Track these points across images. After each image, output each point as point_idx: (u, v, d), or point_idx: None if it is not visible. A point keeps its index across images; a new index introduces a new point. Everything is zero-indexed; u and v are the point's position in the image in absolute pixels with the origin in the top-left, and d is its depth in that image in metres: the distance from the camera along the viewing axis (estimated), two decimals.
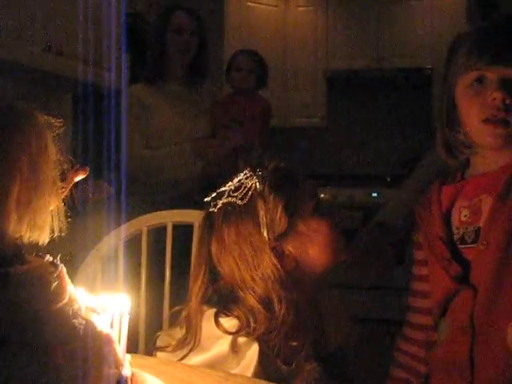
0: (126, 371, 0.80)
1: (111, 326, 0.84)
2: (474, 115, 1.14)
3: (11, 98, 2.71)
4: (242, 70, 2.61)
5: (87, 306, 0.78)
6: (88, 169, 0.77)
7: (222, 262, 1.12)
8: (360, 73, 4.57)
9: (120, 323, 0.86)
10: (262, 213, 1.09)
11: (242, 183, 1.12)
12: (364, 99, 4.77)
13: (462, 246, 1.15)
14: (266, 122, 2.69)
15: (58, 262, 0.75)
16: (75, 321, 0.72)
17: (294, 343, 1.08)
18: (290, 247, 1.12)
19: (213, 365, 1.06)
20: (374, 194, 4.24)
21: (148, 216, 1.60)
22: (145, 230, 1.56)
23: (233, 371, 1.04)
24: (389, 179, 4.46)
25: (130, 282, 1.35)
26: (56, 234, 0.74)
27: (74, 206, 0.76)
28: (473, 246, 1.13)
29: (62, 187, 0.74)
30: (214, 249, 1.13)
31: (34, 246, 0.73)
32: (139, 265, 1.54)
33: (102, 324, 0.77)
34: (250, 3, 4.44)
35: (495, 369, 1.09)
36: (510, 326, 1.06)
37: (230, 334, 1.06)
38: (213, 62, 2.72)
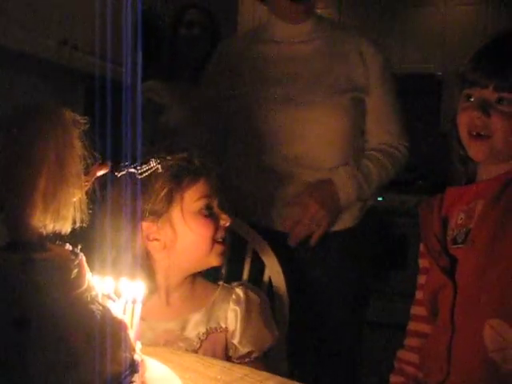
0: (138, 356, 0.85)
1: (124, 312, 0.89)
2: (462, 130, 1.24)
3: (25, 91, 2.76)
4: None
5: (103, 293, 0.82)
6: (110, 164, 0.82)
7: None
8: None
9: (132, 310, 0.91)
10: (150, 190, 1.20)
11: (151, 163, 1.22)
12: None
13: (453, 246, 1.22)
14: None
15: (78, 251, 0.79)
16: (93, 306, 0.76)
17: None
18: (160, 231, 1.22)
19: None
20: (380, 198, 4.27)
21: None
22: None
23: None
24: (395, 184, 4.50)
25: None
26: (78, 224, 0.79)
27: (96, 198, 0.81)
28: (462, 246, 1.20)
29: (86, 180, 0.79)
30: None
31: (57, 235, 0.77)
32: None
33: (116, 310, 0.82)
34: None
35: (471, 364, 1.14)
36: (488, 324, 1.12)
37: None
38: None
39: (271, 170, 1.65)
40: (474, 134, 1.21)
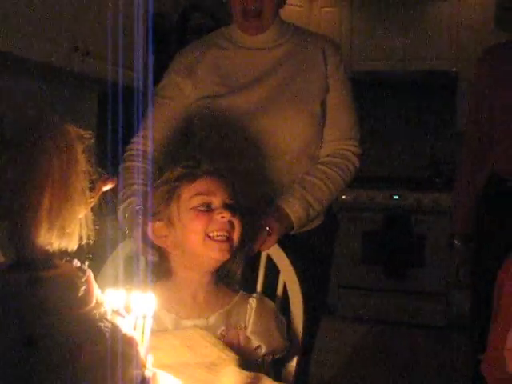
0: (148, 372, 0.84)
1: (134, 328, 0.88)
2: None
3: (37, 98, 2.76)
4: None
5: (113, 309, 0.81)
6: (116, 179, 0.81)
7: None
8: (384, 74, 4.56)
9: (143, 324, 0.90)
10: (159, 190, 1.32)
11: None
12: (388, 101, 4.77)
13: None
14: None
15: (86, 268, 0.78)
16: (101, 324, 0.75)
17: None
18: (164, 230, 1.30)
19: None
20: (396, 197, 4.24)
21: None
22: None
23: None
24: (410, 182, 4.46)
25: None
26: (84, 241, 0.78)
27: (102, 212, 0.80)
28: None
29: (91, 197, 0.78)
30: None
31: (64, 252, 0.76)
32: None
33: (126, 327, 0.81)
34: None
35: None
36: None
37: None
38: None
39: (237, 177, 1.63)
40: None
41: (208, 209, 1.28)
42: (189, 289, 1.31)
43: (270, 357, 1.32)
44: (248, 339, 1.30)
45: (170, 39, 2.74)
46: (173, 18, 3.68)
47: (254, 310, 1.32)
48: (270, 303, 1.37)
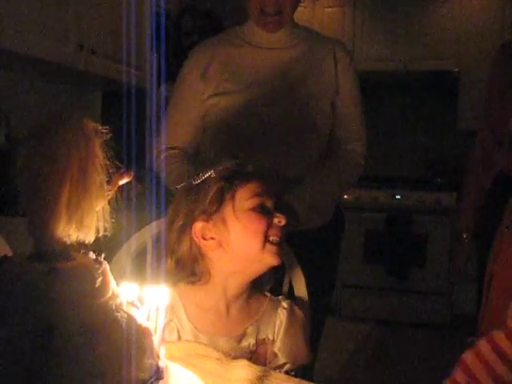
0: (162, 362, 0.86)
1: (148, 319, 0.90)
2: None
3: (43, 96, 2.78)
4: None
5: (128, 300, 0.83)
6: (132, 173, 0.83)
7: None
8: (386, 74, 4.58)
9: (156, 316, 0.92)
10: (202, 193, 1.24)
11: (207, 172, 1.26)
12: (390, 101, 4.79)
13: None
14: None
15: (102, 260, 0.80)
16: (118, 314, 0.77)
17: None
18: (215, 229, 1.23)
19: None
20: (398, 196, 4.26)
21: None
22: None
23: None
24: (413, 181, 4.48)
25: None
26: (101, 233, 0.80)
27: (118, 207, 0.81)
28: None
29: (108, 190, 0.80)
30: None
31: (81, 244, 0.78)
32: None
33: (141, 318, 0.82)
34: None
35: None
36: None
37: None
38: None
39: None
40: None
41: (264, 210, 1.25)
42: (225, 299, 1.27)
43: (293, 371, 1.29)
44: (275, 355, 1.27)
45: (168, 39, 2.76)
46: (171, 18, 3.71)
47: (283, 325, 1.28)
48: (299, 314, 1.32)
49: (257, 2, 1.71)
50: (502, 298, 1.35)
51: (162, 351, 0.90)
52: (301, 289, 1.49)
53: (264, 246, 1.23)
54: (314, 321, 1.56)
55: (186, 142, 1.78)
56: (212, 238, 1.24)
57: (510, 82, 1.97)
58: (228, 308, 1.27)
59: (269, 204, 1.26)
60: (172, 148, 1.78)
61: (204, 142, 1.78)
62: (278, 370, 1.24)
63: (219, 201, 1.23)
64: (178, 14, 2.62)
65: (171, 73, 2.56)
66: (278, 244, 1.25)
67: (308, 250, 1.67)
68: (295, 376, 1.28)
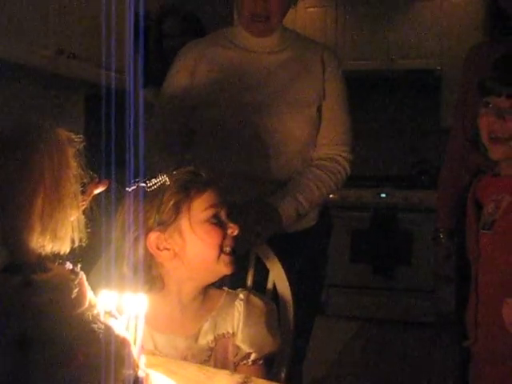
0: (141, 372, 0.85)
1: (127, 328, 0.89)
2: (483, 133, 1.42)
3: (23, 101, 2.75)
4: None
5: (105, 310, 0.82)
6: (108, 182, 0.82)
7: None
8: (369, 74, 4.59)
9: (136, 325, 0.91)
10: (156, 202, 1.23)
11: (160, 178, 1.26)
12: (373, 100, 4.79)
13: (482, 231, 1.43)
14: None
15: (78, 270, 0.79)
16: (94, 325, 0.76)
17: None
18: (170, 240, 1.23)
19: None
20: (383, 195, 4.27)
21: None
22: None
23: None
24: (398, 180, 4.49)
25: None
26: (76, 244, 0.79)
27: (93, 216, 0.80)
28: (487, 232, 1.41)
29: (83, 200, 0.79)
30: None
31: (56, 255, 0.77)
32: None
33: (119, 328, 0.82)
34: None
35: (493, 333, 1.39)
36: (505, 302, 1.32)
37: None
38: None
39: (234, 177, 1.65)
40: (493, 136, 1.38)
41: (218, 221, 1.26)
42: (179, 303, 1.28)
43: (261, 360, 1.30)
44: (237, 347, 1.27)
45: (149, 42, 2.74)
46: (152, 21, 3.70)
47: (241, 315, 1.28)
48: (257, 302, 1.32)
49: (247, 7, 1.70)
50: (493, 301, 1.37)
51: (142, 360, 0.89)
52: (285, 291, 1.50)
53: (219, 257, 1.25)
54: (303, 321, 1.57)
55: (177, 122, 1.78)
56: (167, 249, 1.24)
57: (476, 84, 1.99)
58: (183, 312, 1.28)
59: (223, 214, 1.27)
60: (164, 129, 1.79)
61: (192, 146, 1.78)
62: (245, 362, 1.27)
63: (176, 213, 1.23)
64: (160, 16, 2.60)
65: (152, 75, 2.55)
66: (231, 253, 1.27)
67: (294, 252, 1.68)
68: (265, 365, 1.30)
